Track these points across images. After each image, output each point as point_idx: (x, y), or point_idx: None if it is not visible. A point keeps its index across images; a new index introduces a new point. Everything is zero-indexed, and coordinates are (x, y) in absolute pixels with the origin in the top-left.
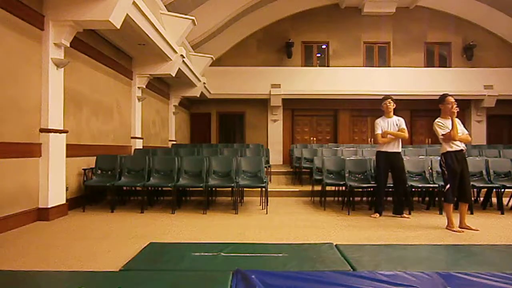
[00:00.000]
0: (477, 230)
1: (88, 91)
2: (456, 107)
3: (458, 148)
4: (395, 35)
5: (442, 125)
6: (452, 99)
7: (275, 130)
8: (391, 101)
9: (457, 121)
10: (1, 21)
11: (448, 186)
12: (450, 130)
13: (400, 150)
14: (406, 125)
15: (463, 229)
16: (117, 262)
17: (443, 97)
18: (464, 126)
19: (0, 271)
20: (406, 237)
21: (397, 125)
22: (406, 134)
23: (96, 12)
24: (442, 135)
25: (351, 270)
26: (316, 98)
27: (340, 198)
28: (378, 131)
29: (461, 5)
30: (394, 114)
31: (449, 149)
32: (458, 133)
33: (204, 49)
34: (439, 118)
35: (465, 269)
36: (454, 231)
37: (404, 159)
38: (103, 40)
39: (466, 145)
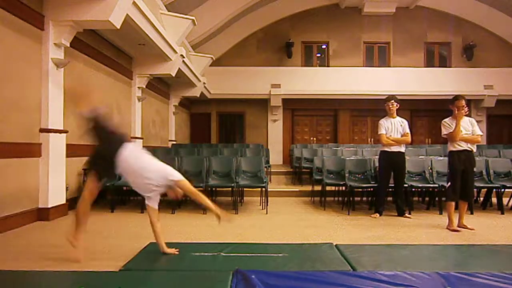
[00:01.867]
0: (472, 229)
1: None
2: (466, 110)
3: (461, 148)
4: (395, 35)
5: (448, 125)
6: (462, 103)
7: (275, 130)
8: (394, 102)
9: (472, 121)
10: (1, 21)
11: (449, 184)
12: (452, 131)
13: (403, 149)
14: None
15: (462, 228)
16: (117, 262)
17: (454, 98)
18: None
19: (0, 271)
20: (406, 237)
21: (401, 126)
22: (409, 139)
23: (96, 12)
24: (444, 134)
25: (351, 270)
26: (316, 98)
27: (340, 198)
28: (382, 131)
29: (461, 5)
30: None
31: (452, 148)
32: (459, 134)
33: (204, 49)
34: (449, 118)
35: (465, 269)
36: (454, 230)
37: None
38: (103, 40)
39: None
